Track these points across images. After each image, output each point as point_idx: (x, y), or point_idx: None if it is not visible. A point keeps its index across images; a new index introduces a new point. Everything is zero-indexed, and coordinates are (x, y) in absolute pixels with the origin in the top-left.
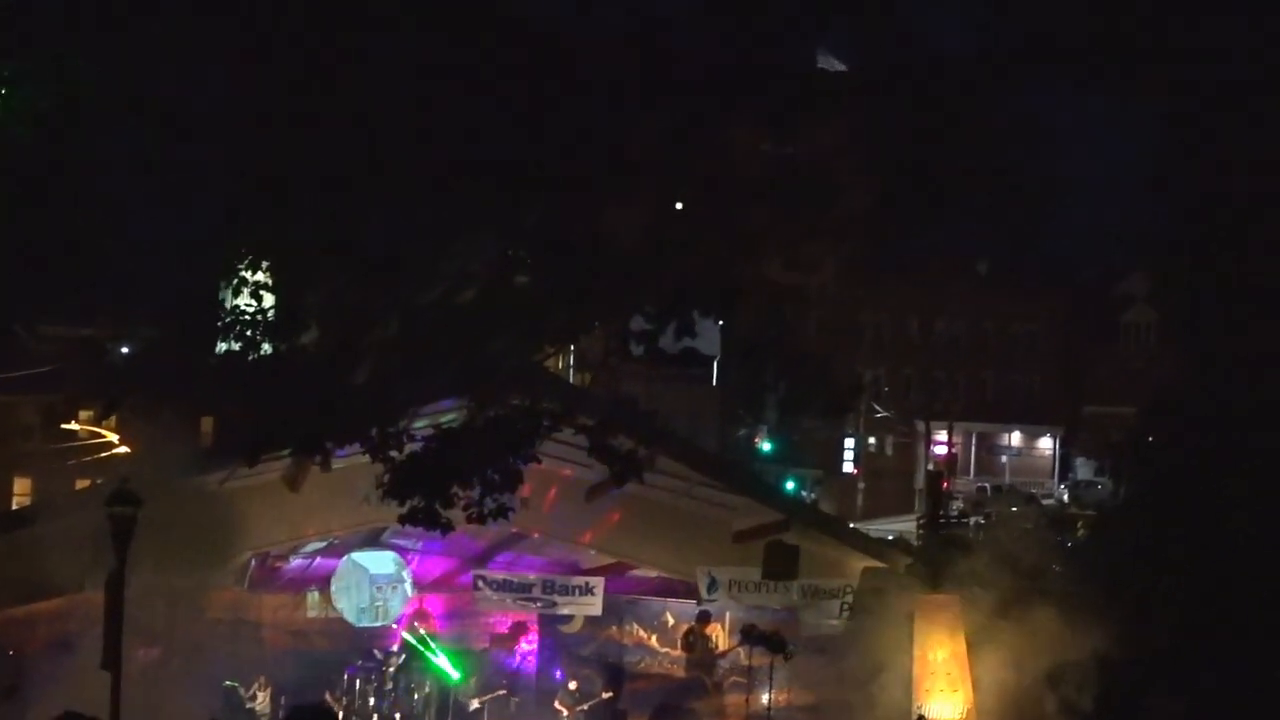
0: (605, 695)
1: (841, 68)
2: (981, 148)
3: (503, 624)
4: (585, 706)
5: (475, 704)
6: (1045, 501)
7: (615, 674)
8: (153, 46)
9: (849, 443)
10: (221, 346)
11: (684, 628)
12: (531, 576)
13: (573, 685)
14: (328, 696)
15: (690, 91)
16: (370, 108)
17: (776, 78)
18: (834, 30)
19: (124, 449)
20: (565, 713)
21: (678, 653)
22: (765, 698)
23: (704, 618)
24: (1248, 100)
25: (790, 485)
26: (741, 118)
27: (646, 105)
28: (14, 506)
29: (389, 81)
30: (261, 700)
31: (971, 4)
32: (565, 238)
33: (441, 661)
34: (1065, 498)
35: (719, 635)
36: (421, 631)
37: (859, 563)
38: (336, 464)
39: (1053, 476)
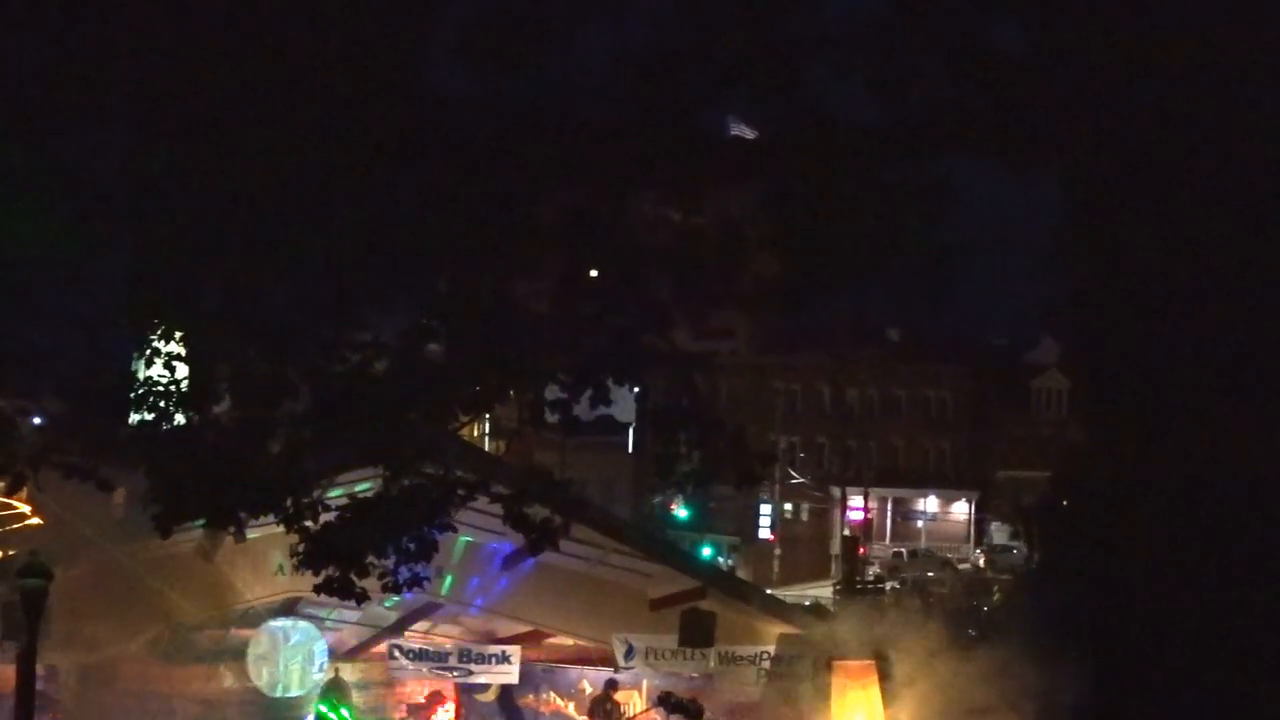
0: None
1: (752, 135)
2: (886, 218)
3: (419, 693)
4: None
5: None
6: (961, 566)
7: None
8: (52, 114)
9: (765, 509)
10: (134, 417)
11: (598, 693)
12: (448, 645)
13: None
14: None
15: (597, 165)
16: (274, 181)
17: (684, 150)
18: (739, 100)
19: (35, 520)
20: None
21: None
22: None
23: (611, 685)
24: (1149, 173)
25: (707, 552)
26: (649, 189)
27: (552, 179)
28: None
29: (293, 153)
30: None
31: (878, 74)
32: (474, 308)
33: None
34: (981, 562)
35: (632, 702)
36: (336, 703)
37: (776, 629)
38: (250, 534)
39: (968, 541)
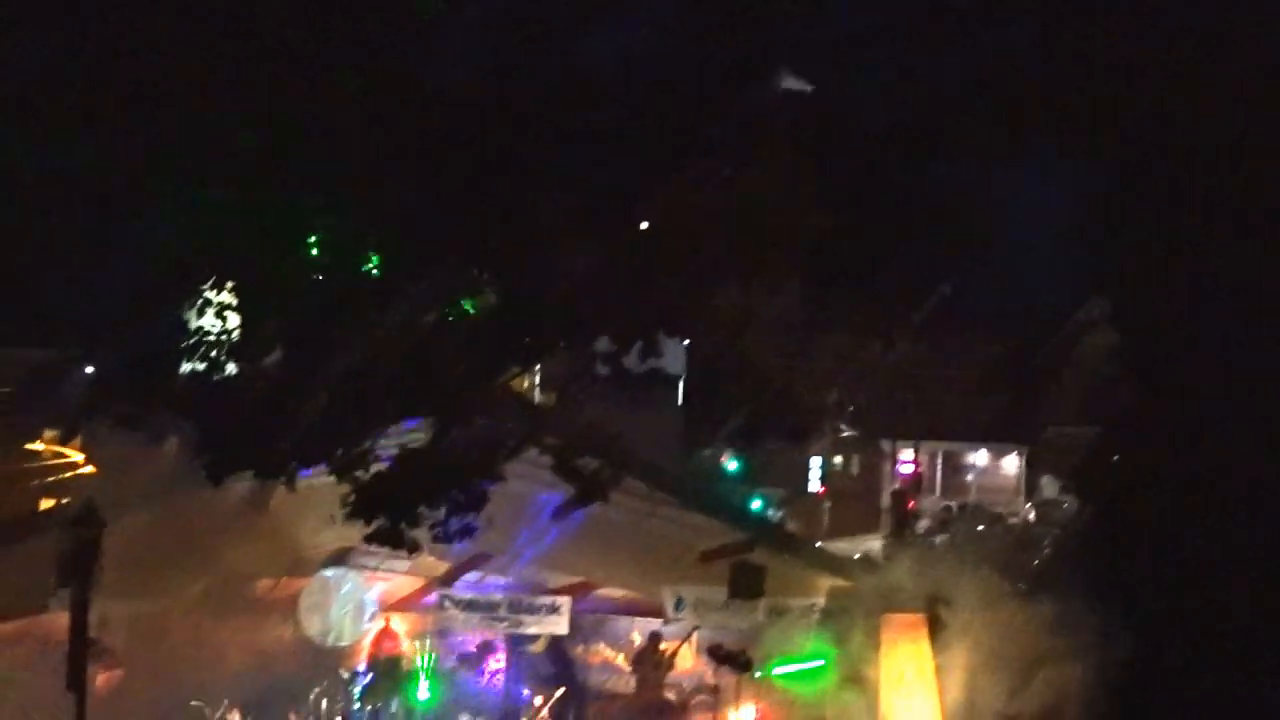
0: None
1: (807, 87)
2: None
3: (469, 644)
4: None
5: None
6: (1011, 520)
7: (573, 701)
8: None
9: (815, 462)
10: (186, 367)
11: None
12: (498, 596)
13: (538, 700)
14: (292, 716)
15: (649, 127)
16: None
17: (736, 112)
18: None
19: (88, 469)
20: None
21: (633, 669)
22: (732, 717)
23: (656, 637)
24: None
25: (756, 505)
26: (695, 158)
27: (599, 153)
28: None
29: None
30: None
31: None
32: (523, 269)
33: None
34: (1031, 516)
35: (678, 652)
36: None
37: (825, 582)
38: (301, 484)
39: (1018, 495)
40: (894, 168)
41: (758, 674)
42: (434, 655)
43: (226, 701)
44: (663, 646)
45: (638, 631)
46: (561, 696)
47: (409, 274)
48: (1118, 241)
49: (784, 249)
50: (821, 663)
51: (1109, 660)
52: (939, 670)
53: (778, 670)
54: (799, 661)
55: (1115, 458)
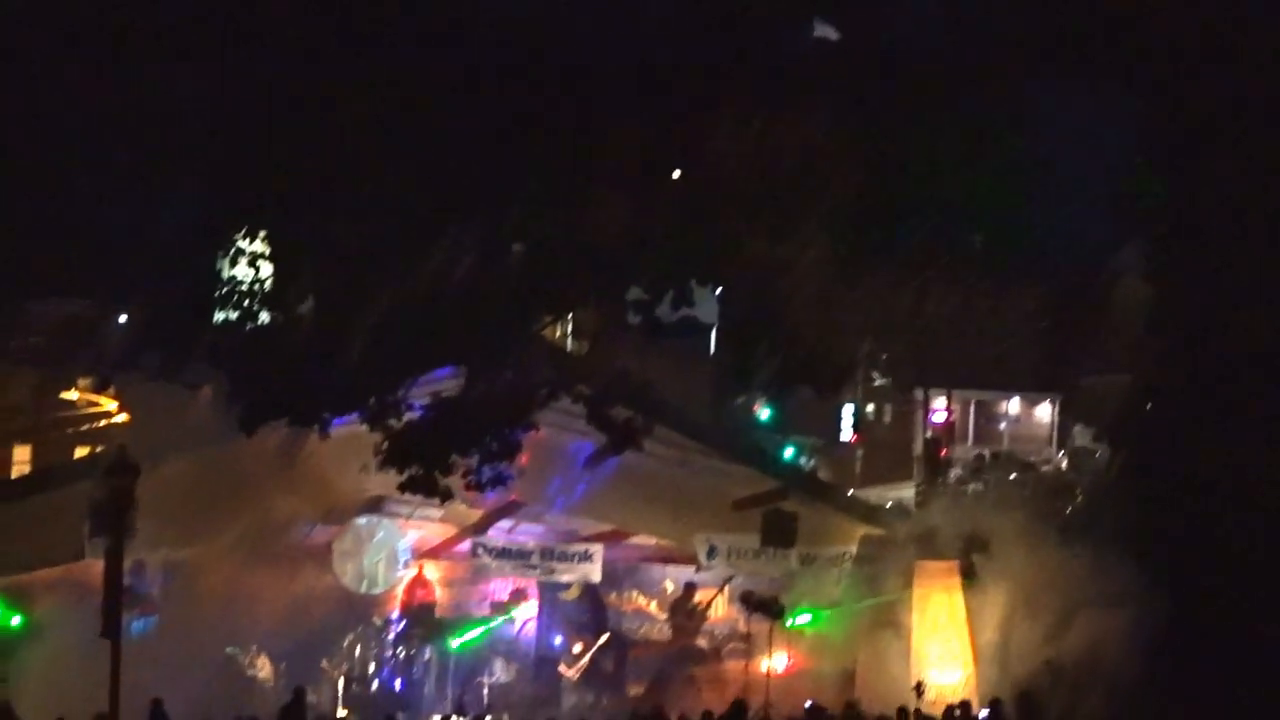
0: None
1: (836, 36)
2: (964, 132)
3: (502, 591)
4: (587, 668)
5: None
6: (1044, 469)
7: (614, 647)
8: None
9: (847, 410)
10: (219, 316)
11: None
12: (530, 544)
13: (577, 649)
14: (325, 663)
15: (674, 88)
16: (356, 109)
17: (766, 63)
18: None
19: (122, 418)
20: (570, 674)
21: (670, 617)
22: (764, 664)
23: (690, 587)
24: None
25: (788, 453)
26: (726, 108)
27: (630, 104)
28: (13, 475)
29: (376, 83)
30: (264, 668)
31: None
32: (555, 219)
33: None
34: (1063, 465)
35: (714, 602)
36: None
37: (858, 530)
38: (335, 433)
39: (1051, 444)
40: (927, 113)
41: (790, 622)
42: (466, 603)
43: (255, 647)
44: (697, 596)
45: (670, 579)
46: (601, 643)
47: (443, 222)
48: (1153, 189)
49: (816, 197)
50: (853, 611)
51: (1145, 606)
52: (973, 615)
53: (810, 618)
54: (831, 609)
55: (1148, 406)
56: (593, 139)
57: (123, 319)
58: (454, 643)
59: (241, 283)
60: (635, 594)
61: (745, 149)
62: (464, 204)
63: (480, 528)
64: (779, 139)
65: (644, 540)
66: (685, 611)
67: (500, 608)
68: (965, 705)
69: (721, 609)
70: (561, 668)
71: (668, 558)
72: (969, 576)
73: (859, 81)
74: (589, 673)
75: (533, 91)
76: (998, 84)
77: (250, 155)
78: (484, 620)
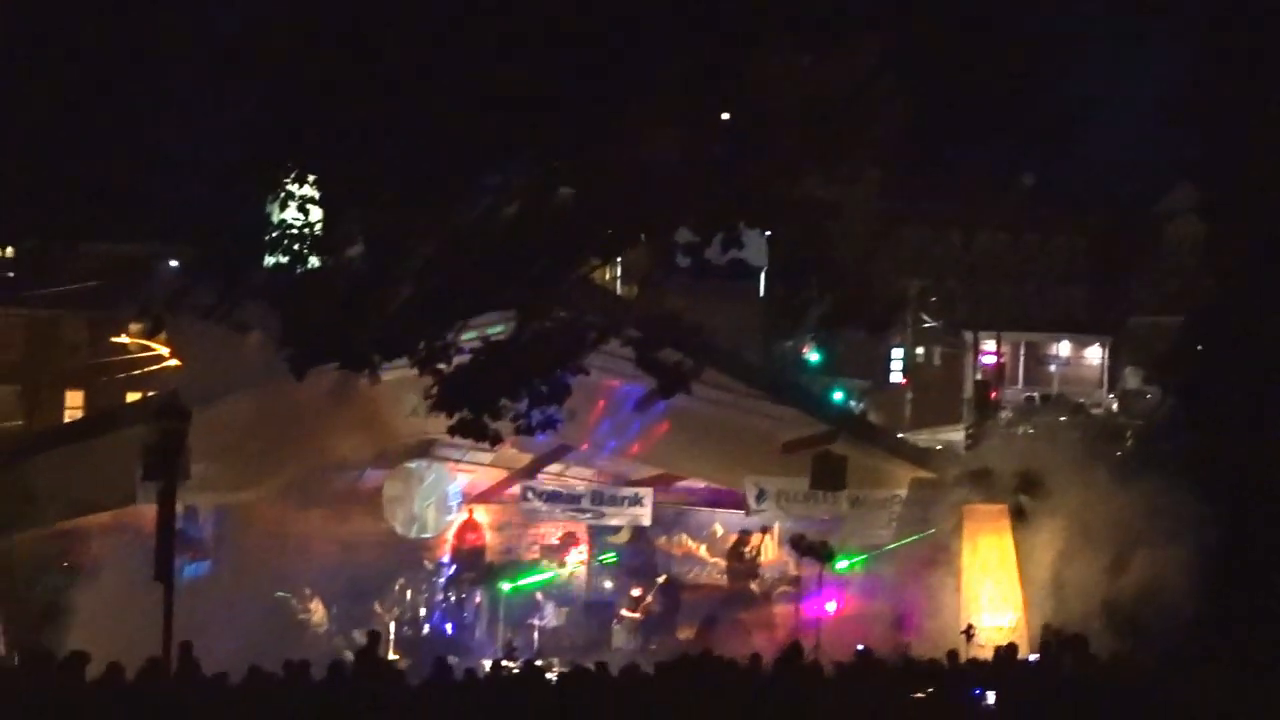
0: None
1: None
2: (1019, 66)
3: (552, 535)
4: (646, 612)
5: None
6: (1094, 411)
7: (671, 591)
8: None
9: (897, 353)
10: (269, 261)
11: (733, 538)
12: (580, 488)
13: (636, 592)
14: (377, 607)
15: (724, 17)
16: (407, 31)
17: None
18: None
19: (174, 362)
20: (629, 617)
21: (727, 563)
22: (814, 608)
23: (745, 533)
24: None
25: (838, 396)
26: (776, 40)
27: (680, 33)
28: (66, 420)
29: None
30: (315, 612)
31: None
32: (603, 158)
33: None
34: (1114, 407)
35: (764, 545)
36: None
37: (907, 473)
38: (384, 377)
39: (1101, 386)
40: (976, 50)
41: (839, 565)
42: (517, 547)
43: (307, 592)
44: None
45: (719, 523)
46: (658, 586)
47: (491, 163)
48: (1205, 127)
49: (864, 137)
50: (903, 554)
51: (1204, 541)
52: (1023, 558)
53: (860, 561)
54: (881, 553)
55: (1199, 347)
56: (642, 73)
57: (174, 263)
58: (504, 586)
59: (291, 227)
60: (685, 538)
61: (794, 83)
62: (512, 141)
63: (530, 472)
64: (827, 73)
65: (693, 484)
66: (739, 556)
67: (550, 552)
68: (1012, 647)
69: (771, 552)
70: (623, 611)
71: (717, 501)
72: (1019, 519)
73: (908, 13)
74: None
75: (581, 25)
76: (1049, 14)
77: (300, 91)
78: (534, 567)
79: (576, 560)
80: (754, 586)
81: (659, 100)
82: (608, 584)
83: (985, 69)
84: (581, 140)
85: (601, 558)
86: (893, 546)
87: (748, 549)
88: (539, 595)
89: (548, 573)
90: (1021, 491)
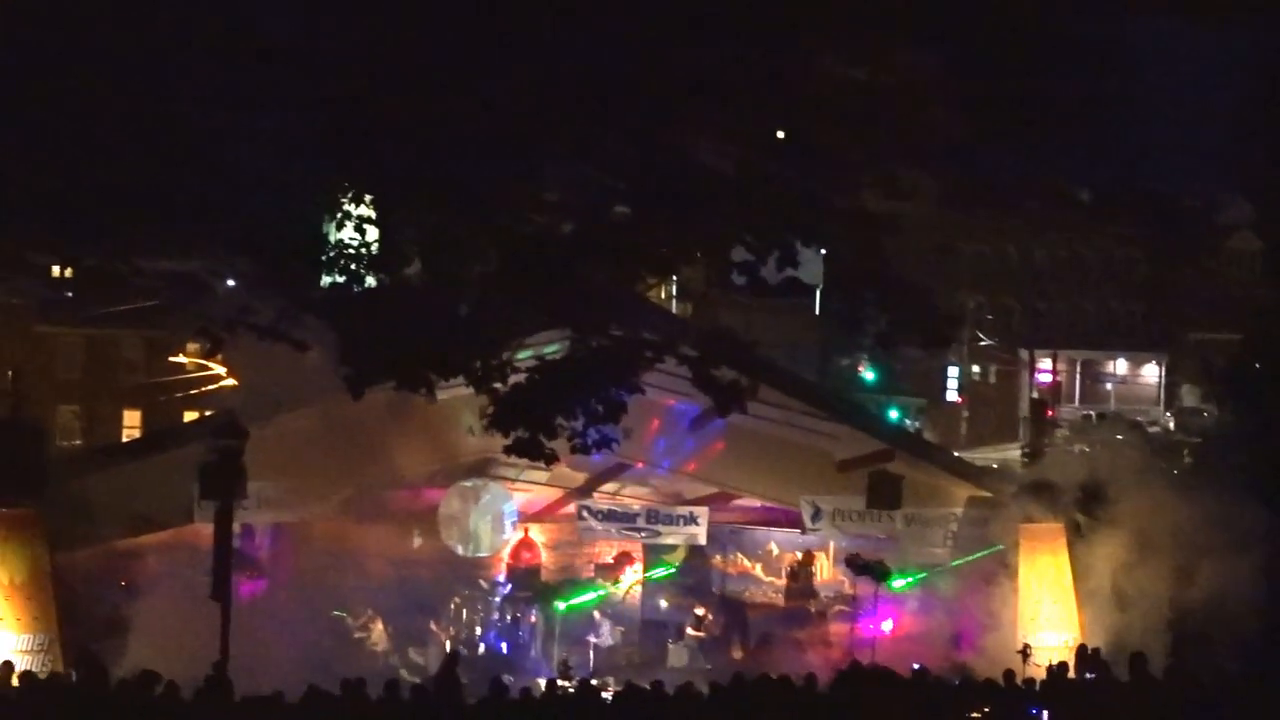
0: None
1: None
2: (1080, 74)
3: (607, 554)
4: (709, 631)
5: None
6: (1151, 429)
7: (736, 610)
8: None
9: (952, 371)
10: (326, 280)
11: (788, 557)
12: (635, 506)
13: (700, 611)
14: (433, 626)
15: (781, 25)
16: (464, 45)
17: (868, 7)
18: None
19: (231, 381)
20: (695, 635)
21: (782, 582)
22: (870, 626)
23: (809, 555)
24: None
25: (893, 414)
26: (826, 48)
27: (736, 40)
28: (124, 438)
29: (481, 18)
30: (373, 630)
31: None
32: (659, 169)
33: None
34: (1171, 425)
35: (820, 565)
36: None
37: (963, 491)
38: (441, 396)
39: (1158, 404)
40: (1032, 65)
41: (895, 584)
42: (572, 566)
43: (368, 611)
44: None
45: (775, 542)
46: (719, 605)
47: (549, 180)
48: (1262, 142)
49: (922, 151)
50: (959, 573)
51: (1272, 549)
52: (1080, 577)
53: (916, 580)
54: (937, 571)
55: (1257, 365)
56: (698, 88)
57: (231, 282)
58: (560, 605)
59: (348, 246)
60: (740, 556)
61: (851, 97)
62: (570, 158)
63: (586, 490)
64: (885, 86)
65: (748, 502)
66: (797, 576)
67: (605, 570)
68: (1064, 665)
69: (827, 571)
70: (688, 629)
71: (773, 520)
72: (1077, 537)
73: (967, 26)
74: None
75: (639, 40)
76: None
77: (359, 109)
78: (590, 585)
79: (631, 579)
80: (810, 605)
81: (716, 115)
82: (663, 603)
83: (1043, 82)
84: (638, 157)
85: (654, 573)
86: (954, 564)
87: (809, 571)
88: (595, 614)
89: (600, 590)
90: (1079, 510)
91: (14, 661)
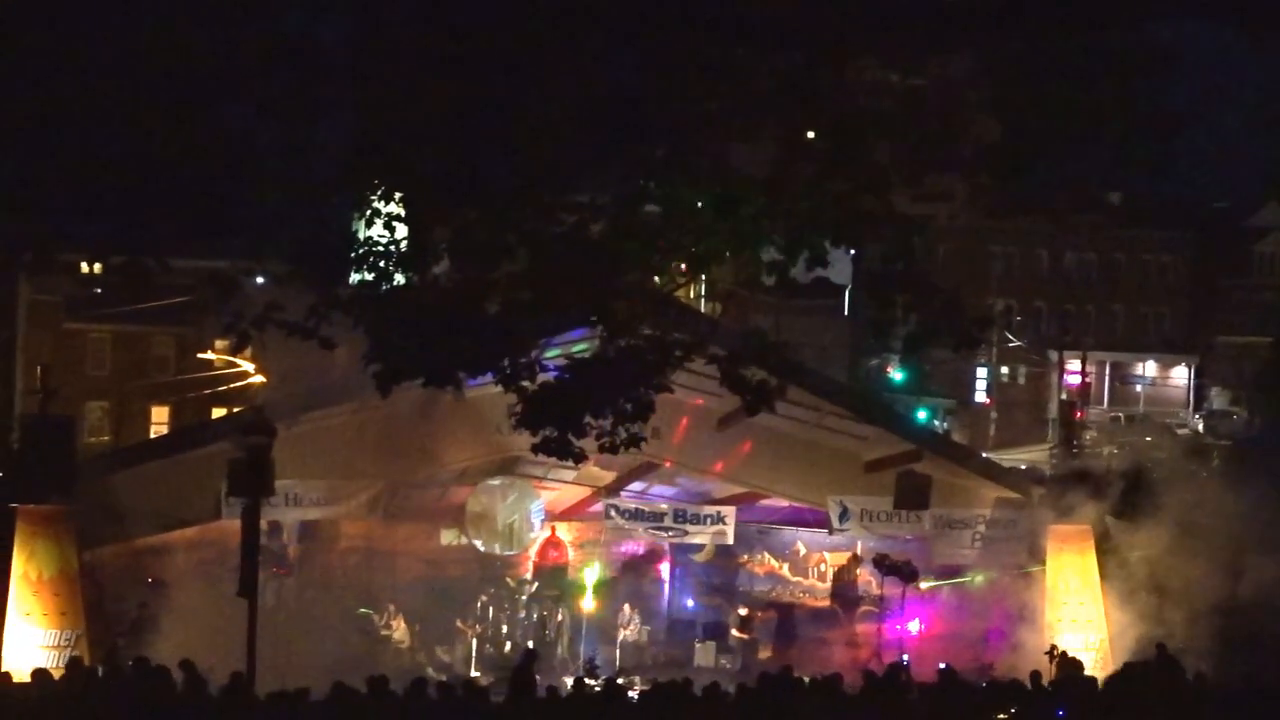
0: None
1: None
2: (1113, 79)
3: (634, 553)
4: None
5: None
6: (1180, 432)
7: (785, 611)
8: None
9: (981, 373)
10: (354, 278)
11: (815, 557)
12: (663, 505)
13: (744, 611)
14: (459, 624)
15: (817, 28)
16: (498, 43)
17: (905, 12)
18: None
19: (259, 378)
20: (739, 637)
21: (809, 582)
22: (897, 627)
23: (854, 559)
24: None
25: (922, 415)
26: (869, 53)
27: (774, 44)
28: (153, 435)
29: (517, 18)
30: (398, 628)
31: None
32: (692, 170)
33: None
34: (1200, 428)
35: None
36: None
37: (991, 493)
38: (469, 394)
39: (1187, 407)
40: (1068, 65)
41: (923, 584)
42: (600, 564)
43: (391, 608)
44: (829, 559)
45: (801, 542)
46: (769, 607)
47: (581, 178)
48: None
49: (955, 152)
50: (987, 574)
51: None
52: (1105, 582)
53: (944, 581)
54: (965, 572)
55: None
56: (732, 87)
57: (259, 279)
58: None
59: (378, 244)
60: (767, 556)
61: (884, 98)
62: (602, 157)
63: (613, 489)
64: (918, 87)
65: (775, 502)
66: (839, 577)
67: (632, 569)
68: (1077, 664)
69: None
70: (733, 632)
71: (800, 520)
72: (1104, 540)
73: (999, 27)
74: (722, 637)
75: (673, 37)
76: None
77: (389, 105)
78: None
79: (657, 578)
80: (837, 605)
81: (749, 114)
82: (689, 602)
83: (1078, 83)
84: (672, 155)
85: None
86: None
87: (854, 579)
88: (625, 609)
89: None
90: (1109, 512)
91: (41, 657)
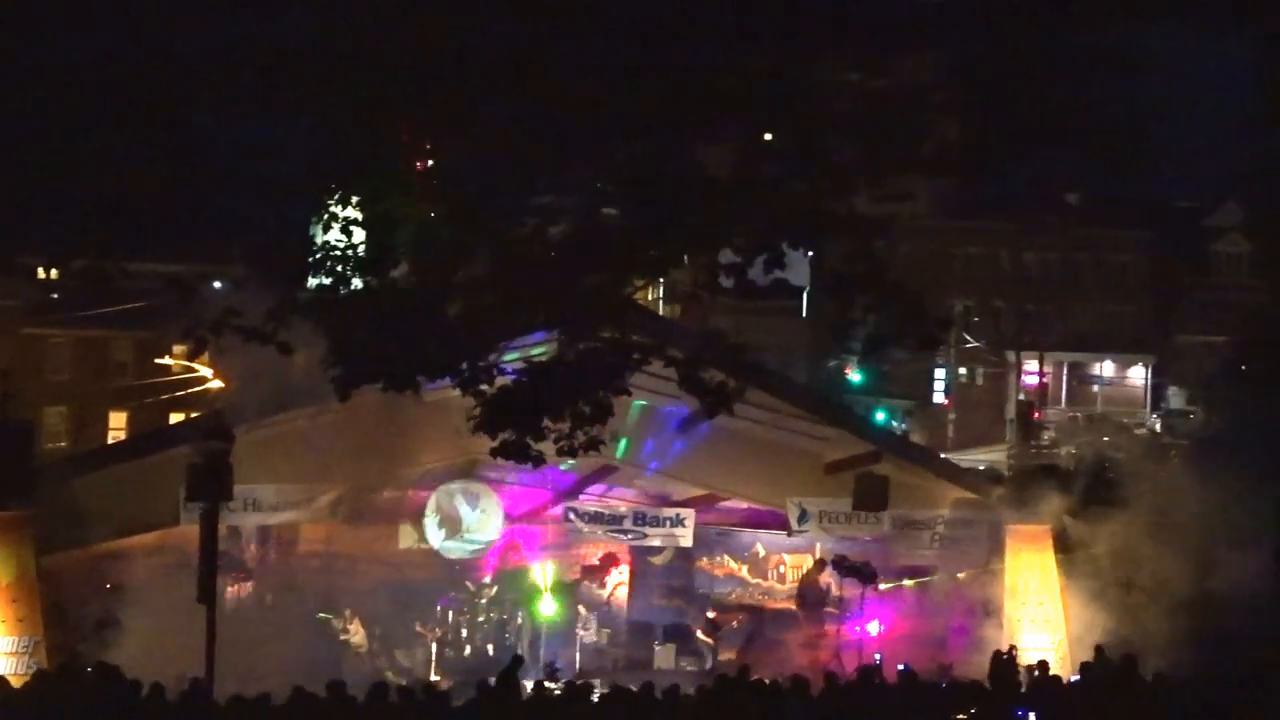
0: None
1: None
2: (1072, 78)
3: (594, 556)
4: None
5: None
6: (1138, 431)
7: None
8: None
9: (940, 373)
10: (312, 282)
11: (774, 559)
12: (622, 508)
13: (711, 614)
14: (419, 627)
15: (780, 30)
16: (462, 45)
17: (868, 14)
18: None
19: (218, 383)
20: (705, 641)
21: (768, 584)
22: (857, 628)
23: (820, 564)
24: None
25: (881, 416)
26: (830, 55)
27: (737, 46)
28: (111, 440)
29: (479, 19)
30: (356, 633)
31: None
32: (655, 174)
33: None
34: (1158, 427)
35: (804, 566)
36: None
37: (950, 493)
38: (428, 397)
39: (1145, 406)
40: (1027, 66)
41: (882, 585)
42: (559, 567)
43: (348, 612)
44: (788, 560)
45: (760, 544)
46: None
47: (537, 184)
48: (1253, 144)
49: (915, 154)
50: (946, 575)
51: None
52: (1065, 582)
53: (902, 582)
54: (923, 573)
55: (1244, 367)
56: (692, 89)
57: (218, 284)
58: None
59: (335, 248)
60: (726, 558)
61: (844, 99)
62: (561, 160)
63: (573, 492)
64: (878, 88)
65: (735, 504)
66: (809, 584)
67: (592, 572)
68: (1043, 664)
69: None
70: (700, 635)
71: (759, 522)
72: (1063, 540)
73: (959, 28)
74: (682, 639)
75: (633, 41)
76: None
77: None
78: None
79: (617, 581)
80: (794, 607)
81: (709, 117)
82: (650, 604)
83: (1037, 85)
84: (632, 159)
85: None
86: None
87: (818, 584)
88: (582, 612)
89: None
90: (1066, 511)
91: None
